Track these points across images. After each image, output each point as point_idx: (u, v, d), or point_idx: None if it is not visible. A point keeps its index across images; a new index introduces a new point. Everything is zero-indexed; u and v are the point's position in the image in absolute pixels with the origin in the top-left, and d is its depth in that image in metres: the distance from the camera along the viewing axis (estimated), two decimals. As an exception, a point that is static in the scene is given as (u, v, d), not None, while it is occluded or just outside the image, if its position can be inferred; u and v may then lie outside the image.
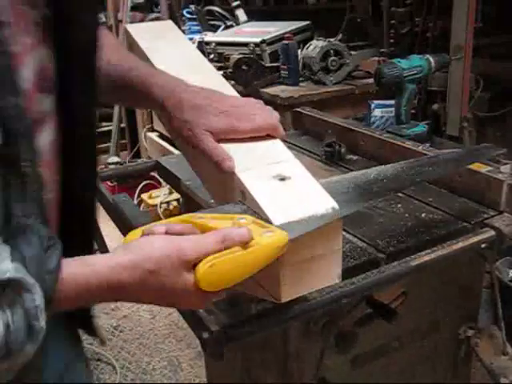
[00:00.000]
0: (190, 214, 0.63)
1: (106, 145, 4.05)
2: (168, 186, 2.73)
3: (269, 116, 0.78)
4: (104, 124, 4.20)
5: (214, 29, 3.01)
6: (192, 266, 0.56)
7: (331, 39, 2.28)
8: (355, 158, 1.35)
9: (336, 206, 0.65)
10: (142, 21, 3.47)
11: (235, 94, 0.85)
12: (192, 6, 3.20)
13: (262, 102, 0.81)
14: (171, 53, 0.95)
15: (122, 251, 0.56)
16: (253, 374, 1.12)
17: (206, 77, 0.87)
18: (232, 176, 0.70)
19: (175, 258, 0.54)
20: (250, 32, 2.60)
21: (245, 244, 0.57)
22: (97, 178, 0.75)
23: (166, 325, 2.38)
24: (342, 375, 1.03)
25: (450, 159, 1.01)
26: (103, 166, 3.23)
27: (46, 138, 0.61)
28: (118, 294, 0.56)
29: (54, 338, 0.67)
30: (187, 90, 0.76)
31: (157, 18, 3.36)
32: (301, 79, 2.29)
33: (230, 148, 0.73)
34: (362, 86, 2.22)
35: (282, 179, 0.69)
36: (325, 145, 1.33)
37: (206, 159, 0.73)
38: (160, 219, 1.46)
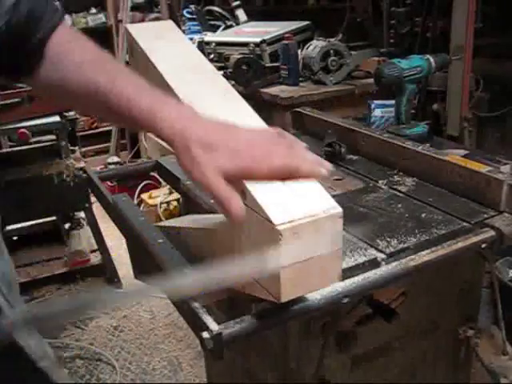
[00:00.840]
0: None
1: (106, 145, 4.06)
2: (168, 186, 2.73)
3: (288, 154, 0.68)
4: (104, 124, 4.21)
5: (214, 29, 3.01)
6: None
7: (331, 39, 2.28)
8: (355, 157, 1.35)
9: (337, 205, 0.65)
10: (142, 21, 3.48)
11: (236, 93, 0.85)
12: (192, 6, 3.20)
13: (282, 131, 0.73)
14: (171, 53, 0.95)
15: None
16: (253, 374, 1.12)
17: (206, 77, 0.87)
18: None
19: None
20: (250, 32, 2.60)
21: None
22: None
23: (166, 325, 2.38)
24: (342, 375, 1.03)
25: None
26: (103, 166, 3.24)
27: None
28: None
29: None
30: (198, 125, 0.68)
31: (157, 18, 3.36)
32: (301, 79, 2.29)
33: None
34: (361, 85, 2.22)
35: (283, 179, 0.69)
36: (325, 145, 1.33)
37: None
38: (160, 219, 1.46)
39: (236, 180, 0.65)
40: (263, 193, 0.66)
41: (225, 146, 0.65)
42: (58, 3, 0.79)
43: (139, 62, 0.97)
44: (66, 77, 0.74)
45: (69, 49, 0.76)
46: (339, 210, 0.65)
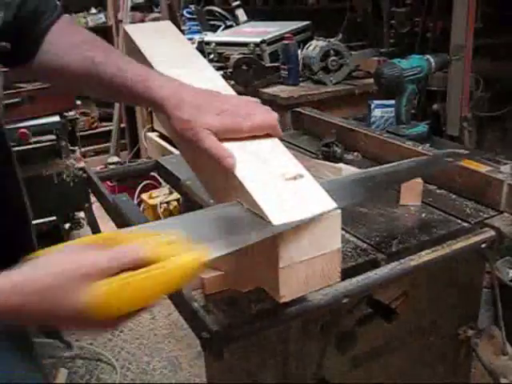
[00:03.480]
0: (122, 230, 0.61)
1: (106, 145, 4.06)
2: (168, 186, 2.73)
3: (268, 115, 0.77)
4: (104, 124, 4.21)
5: (214, 29, 3.01)
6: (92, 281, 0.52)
7: (331, 39, 2.28)
8: (355, 157, 1.35)
9: (335, 205, 0.65)
10: (142, 21, 3.47)
11: (234, 94, 0.85)
12: (192, 6, 3.20)
13: (259, 101, 0.82)
14: (170, 53, 0.95)
15: (28, 268, 0.54)
16: (253, 374, 1.12)
17: (205, 77, 0.87)
18: (231, 176, 0.70)
19: (71, 272, 0.53)
20: (250, 32, 2.60)
21: (140, 262, 0.53)
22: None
23: (166, 325, 2.38)
24: (342, 375, 1.03)
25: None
26: (103, 166, 3.24)
27: None
28: (19, 311, 0.53)
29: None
30: (187, 90, 0.76)
31: (157, 18, 3.35)
32: (301, 79, 2.29)
33: (229, 149, 0.73)
34: (361, 85, 2.22)
35: (281, 179, 0.69)
36: (322, 145, 1.34)
37: (205, 159, 0.73)
38: (160, 219, 1.46)
39: (224, 135, 0.73)
40: (262, 193, 0.66)
41: (213, 107, 0.74)
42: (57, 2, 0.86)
43: (137, 61, 0.96)
44: (64, 56, 0.82)
45: (66, 33, 0.84)
46: (338, 210, 0.65)
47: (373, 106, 1.71)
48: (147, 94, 0.76)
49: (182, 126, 0.73)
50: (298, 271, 0.65)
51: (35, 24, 0.82)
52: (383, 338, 1.07)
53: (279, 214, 0.63)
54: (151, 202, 2.91)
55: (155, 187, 3.05)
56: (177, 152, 1.65)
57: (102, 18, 4.23)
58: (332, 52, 2.22)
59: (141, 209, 2.81)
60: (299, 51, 2.31)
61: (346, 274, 0.82)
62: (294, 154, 0.75)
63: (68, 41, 0.83)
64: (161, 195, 2.89)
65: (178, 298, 0.83)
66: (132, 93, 0.77)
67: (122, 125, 4.00)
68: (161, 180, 2.63)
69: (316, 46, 2.22)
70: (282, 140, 0.79)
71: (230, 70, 2.26)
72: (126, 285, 0.52)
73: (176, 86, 0.77)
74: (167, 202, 2.87)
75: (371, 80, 1.84)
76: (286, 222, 0.62)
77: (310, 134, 1.52)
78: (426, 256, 0.88)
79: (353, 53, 2.30)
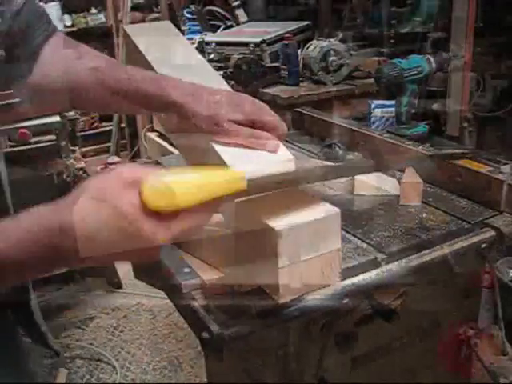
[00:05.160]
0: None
1: (106, 145, 4.06)
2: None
3: (275, 116, 0.80)
4: (104, 124, 4.21)
5: (214, 29, 3.01)
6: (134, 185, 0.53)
7: (331, 39, 2.28)
8: (355, 158, 1.35)
9: (334, 206, 0.66)
10: (142, 21, 3.47)
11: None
12: (192, 6, 3.19)
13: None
14: (169, 54, 0.95)
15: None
16: (253, 374, 1.12)
17: (204, 77, 0.87)
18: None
19: (114, 178, 0.54)
20: (250, 32, 2.60)
21: None
22: None
23: (166, 325, 2.38)
24: (341, 375, 1.03)
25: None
26: (103, 166, 3.24)
27: None
28: (67, 235, 0.52)
29: None
30: (201, 88, 0.79)
31: (157, 18, 3.36)
32: (301, 79, 2.29)
33: (228, 150, 0.73)
34: (361, 85, 2.22)
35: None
36: (324, 146, 1.34)
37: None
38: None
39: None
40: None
41: (228, 102, 0.77)
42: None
43: (137, 62, 0.97)
44: (68, 70, 0.81)
45: (65, 48, 0.84)
46: (337, 210, 0.65)
47: (373, 106, 1.71)
48: (163, 95, 0.77)
49: (206, 121, 0.75)
50: (298, 271, 0.65)
51: (29, 38, 0.81)
52: (383, 338, 1.07)
53: (280, 216, 0.63)
54: (151, 201, 2.91)
55: (155, 187, 3.05)
56: (177, 152, 1.65)
57: (101, 18, 4.23)
58: (332, 52, 2.22)
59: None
60: (299, 51, 2.31)
61: (346, 274, 0.82)
62: (294, 155, 0.75)
63: (68, 55, 0.83)
64: (161, 195, 2.89)
65: (177, 298, 0.83)
66: (144, 95, 0.78)
67: (122, 125, 4.00)
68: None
69: (316, 46, 2.22)
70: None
71: (230, 70, 2.26)
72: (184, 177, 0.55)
73: (189, 85, 0.78)
74: (167, 202, 2.87)
75: (371, 80, 1.84)
76: (286, 223, 0.62)
77: (310, 134, 1.52)
78: (425, 256, 0.88)
79: (353, 53, 2.30)
